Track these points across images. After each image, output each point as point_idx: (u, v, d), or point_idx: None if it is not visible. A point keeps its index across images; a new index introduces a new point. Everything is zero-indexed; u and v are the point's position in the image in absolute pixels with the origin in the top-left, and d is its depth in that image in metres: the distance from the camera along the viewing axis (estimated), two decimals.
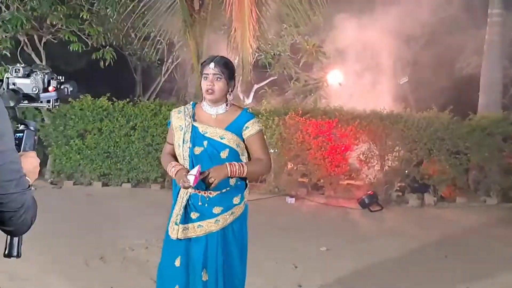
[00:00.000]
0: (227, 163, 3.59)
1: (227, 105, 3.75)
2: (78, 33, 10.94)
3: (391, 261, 6.60)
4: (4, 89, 2.19)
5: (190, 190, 3.69)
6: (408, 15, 12.95)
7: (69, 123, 10.38)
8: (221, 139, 3.66)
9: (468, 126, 10.15)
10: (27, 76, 2.24)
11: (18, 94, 2.18)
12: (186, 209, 3.72)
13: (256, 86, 14.69)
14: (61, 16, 10.52)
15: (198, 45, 11.00)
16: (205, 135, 3.67)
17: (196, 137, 3.67)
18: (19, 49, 10.92)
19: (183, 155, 3.69)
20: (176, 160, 3.79)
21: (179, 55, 14.19)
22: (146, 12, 10.54)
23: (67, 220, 7.92)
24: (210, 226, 3.71)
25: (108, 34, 11.46)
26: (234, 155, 3.69)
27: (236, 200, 3.77)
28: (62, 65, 13.84)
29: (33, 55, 11.19)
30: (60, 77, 2.31)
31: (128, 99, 10.59)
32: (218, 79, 3.63)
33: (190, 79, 13.35)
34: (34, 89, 2.23)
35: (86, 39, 11.11)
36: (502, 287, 5.87)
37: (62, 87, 2.32)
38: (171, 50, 14.15)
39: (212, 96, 3.65)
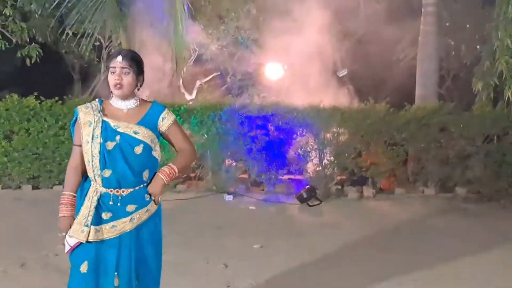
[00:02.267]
0: (159, 173, 3.53)
1: (137, 100, 3.58)
2: (2, 30, 10.45)
3: (326, 257, 6.44)
4: None
5: (100, 189, 3.47)
6: (343, 6, 12.87)
7: None
8: (135, 134, 3.48)
9: (404, 118, 10.11)
10: None
11: None
12: (97, 209, 3.47)
13: (198, 82, 14.42)
14: None
15: (130, 41, 10.71)
16: (117, 129, 3.47)
17: (108, 132, 3.46)
18: None
19: (91, 151, 3.45)
20: (83, 175, 3.58)
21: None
22: (76, 7, 10.23)
23: None
24: (124, 225, 3.49)
25: (33, 30, 11.00)
26: (148, 151, 3.52)
27: (147, 197, 3.56)
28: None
29: None
30: None
31: (57, 98, 10.15)
32: (126, 73, 3.46)
33: None
34: None
35: (10, 36, 10.61)
36: (440, 278, 5.78)
37: None
38: (108, 47, 13.73)
39: (120, 91, 3.47)
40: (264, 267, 5.95)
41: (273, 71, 13.29)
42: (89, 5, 9.91)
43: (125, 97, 3.53)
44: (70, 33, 11.19)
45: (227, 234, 7.34)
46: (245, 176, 10.51)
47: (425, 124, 10.10)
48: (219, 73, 14.07)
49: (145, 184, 3.54)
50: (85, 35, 11.03)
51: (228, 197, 9.68)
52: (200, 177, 10.41)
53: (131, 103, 3.55)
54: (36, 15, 10.77)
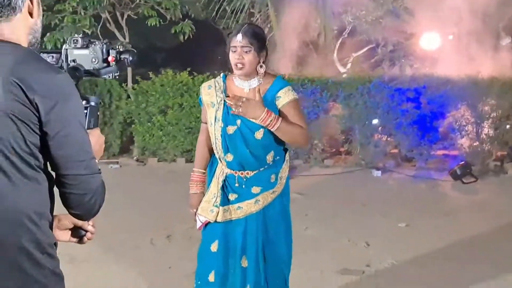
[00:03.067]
0: (266, 108, 3.29)
1: (259, 78, 3.44)
2: (157, 7, 10.84)
3: (476, 238, 6.01)
4: (62, 60, 2.13)
5: (225, 170, 3.46)
6: None
7: (151, 99, 10.31)
8: None
9: None
10: (86, 47, 2.15)
11: (78, 72, 2.10)
12: (223, 190, 3.46)
13: (354, 55, 14.15)
14: None
15: (278, 14, 10.69)
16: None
17: (229, 116, 3.39)
18: (99, 26, 10.93)
19: (215, 134, 3.43)
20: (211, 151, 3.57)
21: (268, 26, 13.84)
22: None
23: (143, 198, 7.86)
24: (250, 207, 3.45)
25: (186, 6, 11.32)
26: (269, 134, 3.38)
27: (273, 178, 3.47)
28: (157, 42, 13.90)
29: (116, 33, 11.21)
30: (120, 47, 2.19)
31: (208, 73, 10.40)
32: (247, 52, 3.32)
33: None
34: (94, 60, 2.14)
35: (164, 13, 10.97)
36: None
37: (121, 57, 2.20)
38: (266, 22, 13.79)
39: (242, 71, 3.36)
40: (407, 247, 5.68)
41: (427, 41, 12.62)
42: None
43: (247, 76, 3.41)
44: (227, 8, 11.39)
45: (372, 211, 7.09)
46: (396, 151, 10.12)
47: None
48: (374, 45, 13.65)
49: (266, 167, 3.44)
50: (240, 10, 11.18)
51: (377, 173, 9.37)
52: (348, 151, 10.19)
53: (253, 82, 3.42)
54: None
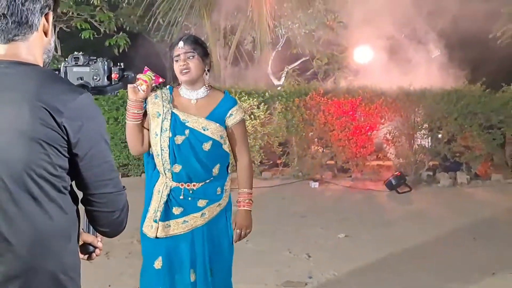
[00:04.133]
0: (240, 207, 3.51)
1: (206, 88, 3.41)
2: (90, 20, 10.66)
3: (414, 247, 6.12)
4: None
5: (170, 183, 3.35)
6: None
7: None
8: (204, 130, 3.33)
9: (501, 99, 9.52)
10: (87, 64, 2.14)
11: (86, 89, 2.05)
12: (167, 204, 3.37)
13: (287, 68, 14.26)
14: (71, 3, 10.25)
15: (214, 28, 10.67)
16: (186, 124, 3.33)
17: (177, 126, 3.32)
18: None
19: (160, 144, 3.32)
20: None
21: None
22: None
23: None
24: (195, 221, 3.38)
25: (121, 19, 11.17)
26: (217, 147, 3.38)
27: (219, 190, 3.45)
28: (91, 55, 13.58)
29: None
30: (121, 64, 2.22)
31: None
32: (191, 57, 3.29)
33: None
34: (95, 77, 2.13)
35: (99, 26, 10.80)
36: None
37: (125, 74, 2.23)
38: (200, 35, 13.74)
39: (188, 75, 3.30)
40: (348, 258, 5.73)
41: (361, 54, 12.87)
42: None
43: (193, 83, 3.36)
44: (161, 21, 11.31)
45: (312, 223, 7.14)
46: (332, 162, 10.25)
47: None
48: (307, 57, 13.80)
49: (212, 179, 3.41)
50: (175, 23, 11.12)
51: (314, 184, 9.47)
52: (286, 163, 10.25)
53: (200, 92, 3.39)
54: (124, 4, 10.91)
